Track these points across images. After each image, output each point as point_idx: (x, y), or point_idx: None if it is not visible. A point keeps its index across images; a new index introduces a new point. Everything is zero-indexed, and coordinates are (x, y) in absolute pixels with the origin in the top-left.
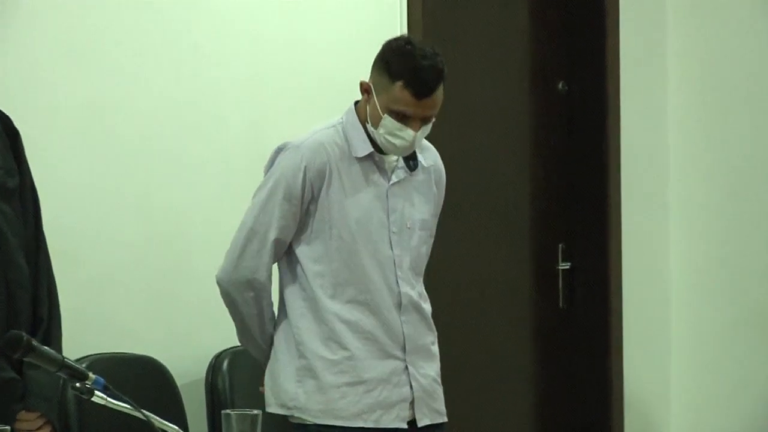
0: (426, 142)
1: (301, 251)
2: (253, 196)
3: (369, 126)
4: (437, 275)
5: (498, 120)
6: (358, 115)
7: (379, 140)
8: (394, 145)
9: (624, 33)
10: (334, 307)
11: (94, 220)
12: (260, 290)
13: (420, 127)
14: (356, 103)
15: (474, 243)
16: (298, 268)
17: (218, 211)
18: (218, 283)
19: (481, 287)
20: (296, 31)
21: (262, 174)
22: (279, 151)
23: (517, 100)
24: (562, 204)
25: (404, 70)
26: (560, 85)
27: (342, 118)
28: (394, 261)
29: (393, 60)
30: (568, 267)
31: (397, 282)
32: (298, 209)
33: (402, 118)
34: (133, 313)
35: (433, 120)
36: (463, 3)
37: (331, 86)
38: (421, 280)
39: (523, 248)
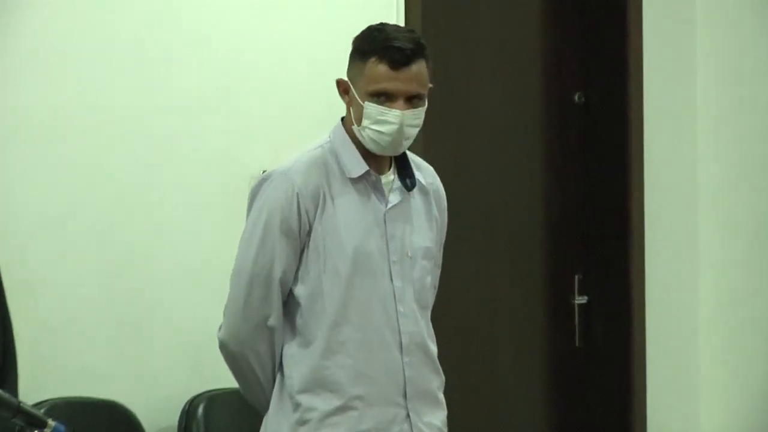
0: (422, 161)
1: (293, 290)
2: (243, 237)
3: (355, 128)
4: (442, 306)
5: (507, 137)
6: (346, 131)
7: (366, 137)
8: (381, 134)
9: (648, 36)
10: (328, 349)
11: (54, 252)
12: (274, 338)
13: (406, 107)
14: (343, 119)
15: (482, 272)
16: (288, 308)
17: (187, 243)
18: (223, 345)
19: (490, 322)
20: (277, 40)
21: (236, 204)
22: (263, 181)
23: (529, 113)
24: (579, 230)
25: (376, 45)
26: (577, 97)
27: (329, 137)
28: (395, 294)
29: (364, 42)
30: (585, 301)
31: (398, 318)
32: (298, 243)
33: (384, 99)
34: (97, 354)
35: (424, 107)
36: (466, 6)
37: (316, 101)
38: (428, 315)
39: (535, 279)
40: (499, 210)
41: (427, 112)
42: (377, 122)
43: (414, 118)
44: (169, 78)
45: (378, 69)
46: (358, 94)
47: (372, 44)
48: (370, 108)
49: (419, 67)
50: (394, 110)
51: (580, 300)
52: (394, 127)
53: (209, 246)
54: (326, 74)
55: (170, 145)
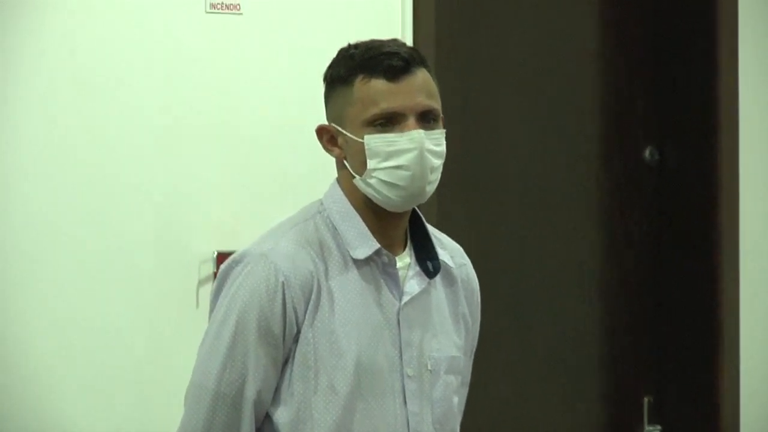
0: (446, 237)
1: (271, 414)
2: (205, 342)
3: (358, 181)
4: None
5: (552, 206)
6: (345, 194)
7: (376, 186)
8: (398, 170)
9: (745, 75)
10: None
11: None
12: None
13: (419, 127)
14: (338, 180)
15: (521, 392)
16: None
17: (103, 348)
18: None
19: None
20: (235, 70)
21: (182, 297)
22: (235, 265)
23: (582, 174)
24: (650, 339)
25: (359, 63)
26: (648, 153)
27: (321, 205)
28: (409, 423)
29: (340, 65)
30: (658, 431)
31: None
32: (281, 351)
33: (389, 123)
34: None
35: (443, 130)
36: (496, 32)
37: (295, 154)
38: None
39: (591, 403)
40: (541, 307)
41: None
42: (389, 157)
43: (435, 144)
44: (87, 116)
45: (371, 86)
46: (351, 132)
47: (353, 61)
48: (375, 141)
49: (423, 75)
50: (410, 132)
51: (652, 431)
52: (414, 154)
53: (137, 354)
54: (310, 118)
55: (86, 217)
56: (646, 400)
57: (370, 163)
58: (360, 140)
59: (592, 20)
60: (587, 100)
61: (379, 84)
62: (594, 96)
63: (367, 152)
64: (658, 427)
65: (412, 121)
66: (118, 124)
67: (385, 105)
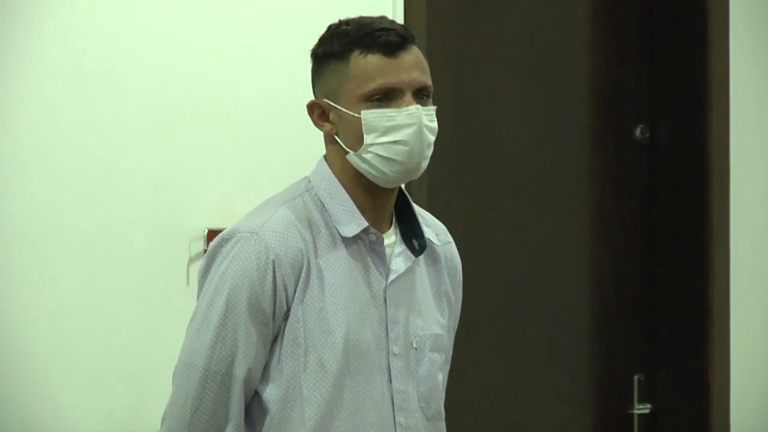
0: (430, 216)
1: (260, 392)
2: (194, 320)
3: (352, 156)
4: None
5: (543, 187)
6: (333, 172)
7: (372, 161)
8: (396, 145)
9: (736, 53)
10: None
11: None
12: None
13: (416, 102)
14: (325, 157)
15: (511, 374)
16: (251, 416)
17: (96, 329)
18: None
19: None
20: (228, 51)
21: (170, 276)
22: (224, 242)
23: (572, 154)
24: (640, 318)
25: (354, 38)
26: (638, 131)
27: (308, 182)
28: (393, 401)
29: (333, 40)
30: (647, 411)
31: None
32: (270, 329)
33: (385, 99)
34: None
35: (434, 107)
36: (488, 12)
37: (284, 134)
38: (442, 426)
39: (580, 382)
40: (533, 289)
41: (431, 154)
42: (387, 132)
43: (429, 120)
44: (78, 102)
45: (368, 61)
46: (346, 107)
47: (347, 37)
48: (372, 115)
49: (417, 52)
50: (408, 107)
51: (642, 409)
52: (413, 129)
53: (128, 333)
54: (300, 98)
55: (77, 196)
56: (636, 378)
57: (367, 138)
58: (356, 115)
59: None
60: (577, 79)
61: (376, 59)
62: (584, 74)
63: (364, 127)
64: (648, 406)
65: (408, 96)
66: (109, 104)
67: (383, 80)
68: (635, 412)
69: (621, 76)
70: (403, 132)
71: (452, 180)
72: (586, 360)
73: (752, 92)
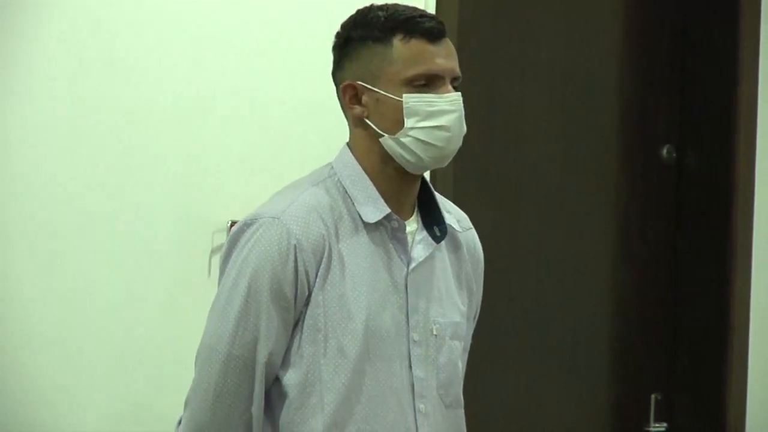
0: (451, 203)
1: (280, 377)
2: (216, 305)
3: (387, 140)
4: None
5: (567, 202)
6: (357, 158)
7: (411, 145)
8: (438, 130)
9: (765, 78)
10: None
11: None
12: None
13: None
14: (348, 144)
15: (531, 387)
16: (271, 401)
17: (122, 317)
18: None
19: None
20: (251, 46)
21: (194, 267)
22: (246, 227)
23: (598, 172)
24: (659, 337)
25: (394, 22)
26: (665, 152)
27: (331, 168)
28: (413, 387)
29: (369, 24)
30: (663, 429)
31: (416, 420)
32: (292, 314)
33: (427, 84)
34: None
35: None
36: (518, 26)
37: (307, 129)
38: (460, 415)
39: (597, 399)
40: (554, 305)
41: (458, 163)
42: (429, 116)
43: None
44: (107, 91)
45: (412, 46)
46: (386, 90)
47: (386, 22)
48: (414, 100)
49: (451, 43)
50: (449, 95)
51: (657, 428)
52: (455, 116)
53: (148, 322)
54: (327, 90)
55: (102, 185)
56: (653, 397)
57: (408, 122)
58: (397, 98)
59: (616, 19)
60: (607, 97)
61: (421, 44)
62: (614, 94)
63: (405, 110)
64: (665, 425)
65: (448, 84)
66: (137, 94)
67: (427, 66)
68: (651, 430)
69: (650, 96)
70: (446, 117)
71: (478, 195)
72: (604, 376)
73: None
